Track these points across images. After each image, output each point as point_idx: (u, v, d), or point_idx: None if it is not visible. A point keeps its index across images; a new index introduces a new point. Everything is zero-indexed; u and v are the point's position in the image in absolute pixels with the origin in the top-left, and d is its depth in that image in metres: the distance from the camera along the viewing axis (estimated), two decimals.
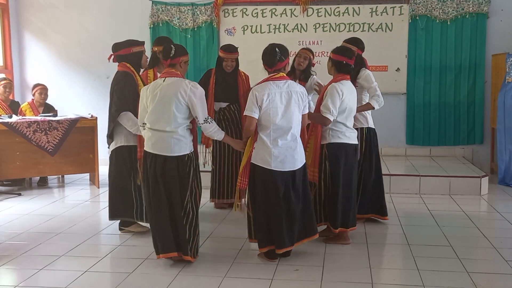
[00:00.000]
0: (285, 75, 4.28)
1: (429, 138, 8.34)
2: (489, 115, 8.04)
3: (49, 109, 7.51)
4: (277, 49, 4.22)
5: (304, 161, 4.34)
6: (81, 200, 6.48)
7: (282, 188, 4.19)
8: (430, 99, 8.25)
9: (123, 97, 4.73)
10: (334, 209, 4.68)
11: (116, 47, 4.92)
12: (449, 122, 8.24)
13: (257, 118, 4.15)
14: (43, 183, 7.38)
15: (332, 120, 4.53)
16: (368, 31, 8.21)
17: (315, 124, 4.67)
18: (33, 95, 7.54)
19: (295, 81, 4.85)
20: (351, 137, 4.70)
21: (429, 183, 6.73)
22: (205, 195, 5.83)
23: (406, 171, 7.25)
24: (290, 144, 4.19)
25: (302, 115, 4.29)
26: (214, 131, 4.25)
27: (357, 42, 5.25)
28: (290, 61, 5.01)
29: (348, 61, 4.64)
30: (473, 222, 5.47)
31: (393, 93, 8.20)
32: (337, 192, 4.65)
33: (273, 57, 4.21)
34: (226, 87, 5.77)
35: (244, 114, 4.25)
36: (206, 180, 5.88)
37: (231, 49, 5.74)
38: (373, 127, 5.38)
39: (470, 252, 4.60)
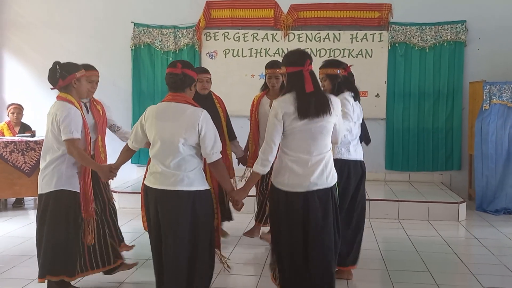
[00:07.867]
0: (61, 95, 4.06)
1: (408, 164, 8.42)
2: (467, 141, 8.15)
3: (25, 128, 7.40)
4: (57, 66, 4.05)
5: None
6: None
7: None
8: (409, 124, 8.36)
9: None
10: None
11: None
12: (428, 147, 8.34)
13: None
14: (18, 205, 7.24)
15: None
16: (348, 56, 8.31)
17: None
18: (8, 115, 7.46)
19: None
20: None
21: (408, 208, 6.75)
22: None
23: (385, 196, 7.29)
24: None
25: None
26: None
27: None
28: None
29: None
30: (451, 248, 5.50)
31: (372, 119, 8.27)
32: None
33: (54, 74, 4.02)
34: None
35: None
36: None
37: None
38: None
39: (448, 278, 4.62)
